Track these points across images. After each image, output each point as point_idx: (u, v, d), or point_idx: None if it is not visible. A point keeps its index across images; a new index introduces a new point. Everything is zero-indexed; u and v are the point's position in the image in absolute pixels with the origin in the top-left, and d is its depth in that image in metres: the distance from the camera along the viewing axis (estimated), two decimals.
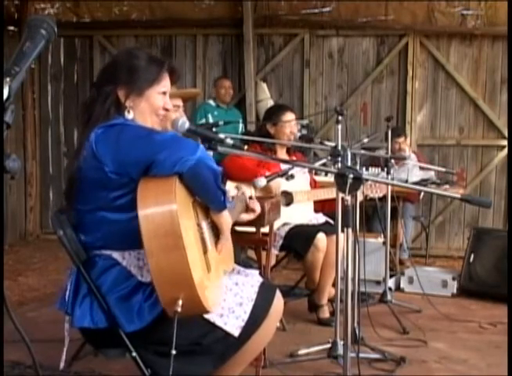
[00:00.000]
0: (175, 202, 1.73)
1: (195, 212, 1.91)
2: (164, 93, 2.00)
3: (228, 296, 1.98)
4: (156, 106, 1.98)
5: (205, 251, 1.90)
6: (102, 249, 1.91)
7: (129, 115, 1.94)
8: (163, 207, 1.73)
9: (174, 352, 1.77)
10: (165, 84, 2.00)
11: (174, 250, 1.71)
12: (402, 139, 5.73)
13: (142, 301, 1.82)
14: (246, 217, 2.22)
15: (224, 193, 1.90)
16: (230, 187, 3.50)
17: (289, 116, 3.90)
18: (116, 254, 1.90)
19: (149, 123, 1.99)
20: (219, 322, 1.92)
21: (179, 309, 1.73)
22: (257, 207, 2.19)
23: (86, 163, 1.84)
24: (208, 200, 1.94)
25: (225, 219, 1.98)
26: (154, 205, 1.73)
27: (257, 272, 2.21)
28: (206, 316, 1.89)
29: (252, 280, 2.08)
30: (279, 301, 2.10)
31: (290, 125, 3.86)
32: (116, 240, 1.89)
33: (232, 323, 1.93)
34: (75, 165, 1.87)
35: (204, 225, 1.96)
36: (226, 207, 1.95)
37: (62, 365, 2.00)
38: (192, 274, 1.72)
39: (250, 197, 2.26)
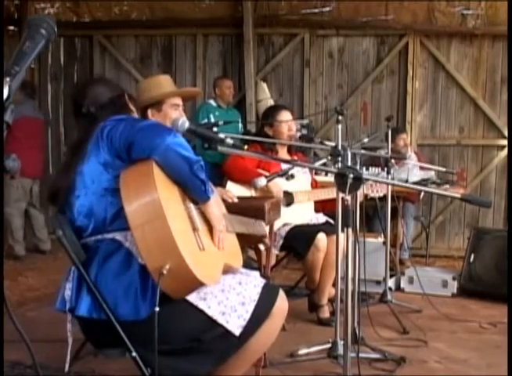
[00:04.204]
0: (156, 192, 1.80)
1: (182, 197, 1.96)
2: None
3: (231, 295, 1.98)
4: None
5: (194, 229, 1.94)
6: (105, 233, 1.94)
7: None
8: (144, 198, 1.80)
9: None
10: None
11: (156, 219, 1.78)
12: (405, 135, 5.83)
13: (140, 295, 1.83)
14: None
15: (204, 183, 1.94)
16: (230, 187, 3.54)
17: (284, 114, 3.89)
18: (119, 236, 1.92)
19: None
20: (221, 319, 1.92)
21: (165, 272, 1.76)
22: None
23: (92, 150, 1.95)
24: (188, 190, 1.98)
25: (212, 210, 2.03)
26: (136, 199, 1.81)
27: (257, 273, 2.21)
28: (208, 312, 1.91)
29: (255, 280, 2.08)
30: (282, 301, 2.10)
31: (286, 124, 3.84)
32: (119, 220, 1.91)
33: (234, 321, 1.94)
34: (75, 159, 1.98)
35: (193, 207, 2.00)
36: (209, 198, 2.00)
37: (67, 367, 2.00)
38: (177, 242, 1.77)
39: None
